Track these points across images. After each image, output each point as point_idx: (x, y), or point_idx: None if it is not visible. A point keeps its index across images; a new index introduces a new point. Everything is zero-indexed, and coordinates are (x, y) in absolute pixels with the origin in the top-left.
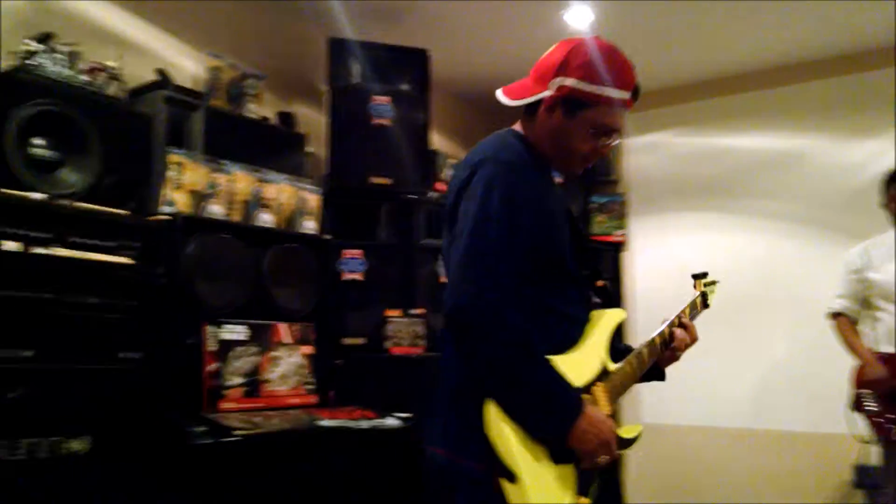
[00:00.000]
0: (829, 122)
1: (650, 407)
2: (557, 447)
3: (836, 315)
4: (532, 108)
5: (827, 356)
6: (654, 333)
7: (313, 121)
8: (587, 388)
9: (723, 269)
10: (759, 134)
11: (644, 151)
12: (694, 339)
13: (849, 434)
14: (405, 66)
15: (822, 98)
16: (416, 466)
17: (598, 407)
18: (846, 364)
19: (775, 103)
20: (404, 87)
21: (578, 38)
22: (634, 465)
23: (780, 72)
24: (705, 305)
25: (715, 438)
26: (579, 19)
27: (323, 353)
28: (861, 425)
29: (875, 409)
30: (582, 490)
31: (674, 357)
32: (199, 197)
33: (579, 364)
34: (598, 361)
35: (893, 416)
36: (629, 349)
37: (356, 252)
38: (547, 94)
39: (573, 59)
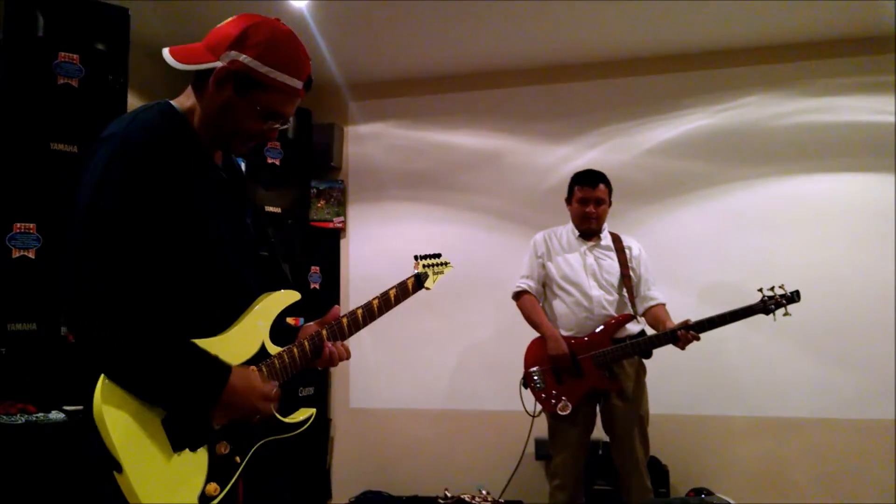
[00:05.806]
0: (528, 127)
1: (359, 392)
2: (196, 429)
3: (521, 293)
4: (202, 78)
5: (517, 339)
6: (322, 329)
7: None
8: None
9: None
10: (469, 133)
11: (366, 140)
12: (341, 358)
13: (522, 410)
14: (101, 23)
15: (523, 104)
16: (83, 462)
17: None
18: None
19: (486, 105)
20: (99, 45)
21: (259, 16)
22: (342, 448)
23: (491, 76)
24: (419, 286)
25: (417, 420)
26: None
27: None
28: (531, 401)
29: (542, 385)
30: (218, 477)
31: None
32: None
33: (232, 346)
34: (257, 343)
35: (556, 392)
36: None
37: (29, 226)
38: (218, 65)
39: (252, 36)
